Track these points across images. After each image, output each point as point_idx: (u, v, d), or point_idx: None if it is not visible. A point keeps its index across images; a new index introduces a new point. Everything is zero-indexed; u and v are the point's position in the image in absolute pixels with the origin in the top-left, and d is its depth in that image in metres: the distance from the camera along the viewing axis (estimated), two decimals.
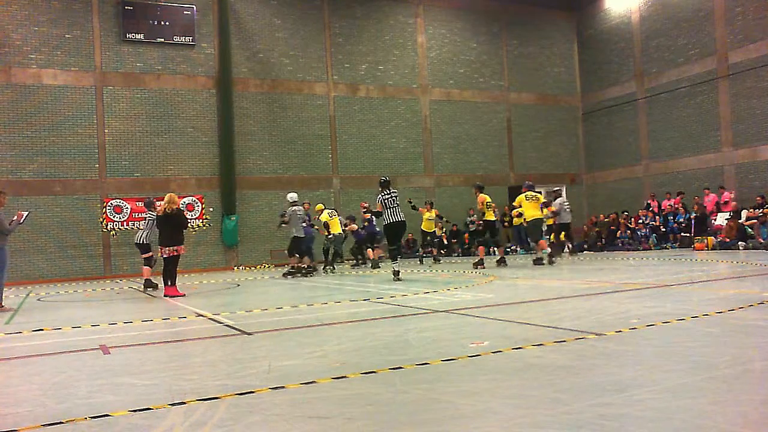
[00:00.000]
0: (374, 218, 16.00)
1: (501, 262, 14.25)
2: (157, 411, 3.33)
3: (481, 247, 15.00)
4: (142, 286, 12.51)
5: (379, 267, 15.69)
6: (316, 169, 21.29)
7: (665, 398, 3.09)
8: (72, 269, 17.99)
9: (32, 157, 17.81)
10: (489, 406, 3.13)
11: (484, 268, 13.65)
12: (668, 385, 3.35)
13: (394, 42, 22.67)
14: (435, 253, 18.65)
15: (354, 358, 4.51)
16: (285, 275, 14.45)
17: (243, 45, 20.49)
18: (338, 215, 16.91)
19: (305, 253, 14.62)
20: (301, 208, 14.53)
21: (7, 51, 17.72)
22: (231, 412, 3.22)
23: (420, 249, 20.05)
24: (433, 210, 18.46)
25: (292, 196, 14.44)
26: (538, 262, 13.88)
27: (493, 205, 14.71)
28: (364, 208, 15.33)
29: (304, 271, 14.49)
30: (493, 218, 14.53)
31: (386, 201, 11.75)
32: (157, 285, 12.34)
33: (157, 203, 12.33)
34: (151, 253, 12.39)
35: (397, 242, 12.09)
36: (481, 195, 14.52)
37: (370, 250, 16.32)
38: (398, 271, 11.56)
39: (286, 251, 15.19)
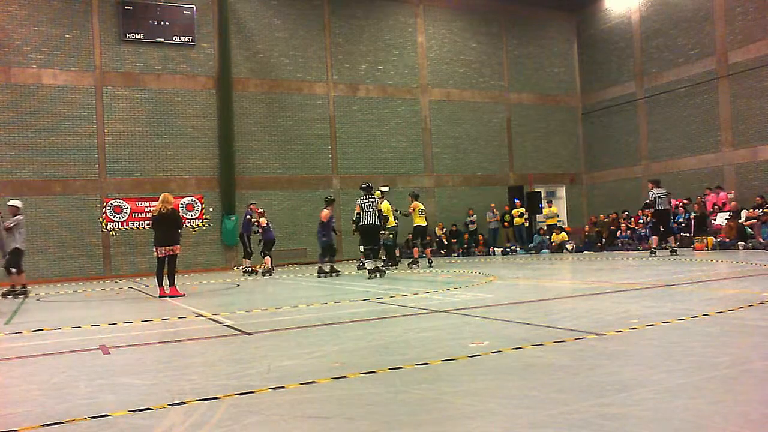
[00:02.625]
0: (270, 224, 16.00)
1: (428, 263, 15.92)
2: (157, 411, 3.33)
3: (415, 249, 16.15)
4: (5, 294, 11.87)
5: (272, 275, 15.42)
6: (316, 169, 21.30)
7: (665, 398, 3.09)
8: (72, 269, 17.99)
9: (32, 157, 17.81)
10: (489, 406, 3.13)
11: (418, 266, 15.49)
12: (668, 385, 3.35)
13: (394, 42, 22.67)
14: (427, 255, 16.67)
15: (354, 358, 4.51)
16: (4, 295, 12.25)
17: (243, 45, 20.49)
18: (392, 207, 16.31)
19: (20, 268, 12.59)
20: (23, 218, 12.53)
21: (7, 51, 17.72)
22: (231, 412, 3.22)
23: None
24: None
25: (16, 202, 12.46)
26: (413, 263, 15.58)
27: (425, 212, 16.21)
28: (259, 212, 15.86)
29: (14, 291, 12.33)
30: (424, 223, 15.88)
31: (363, 204, 12.61)
32: (28, 291, 12.22)
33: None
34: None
35: (370, 243, 12.85)
36: (414, 203, 15.85)
37: (268, 258, 15.57)
38: (372, 269, 12.52)
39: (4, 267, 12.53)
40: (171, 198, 10.66)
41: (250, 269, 16.15)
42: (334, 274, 13.99)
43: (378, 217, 12.71)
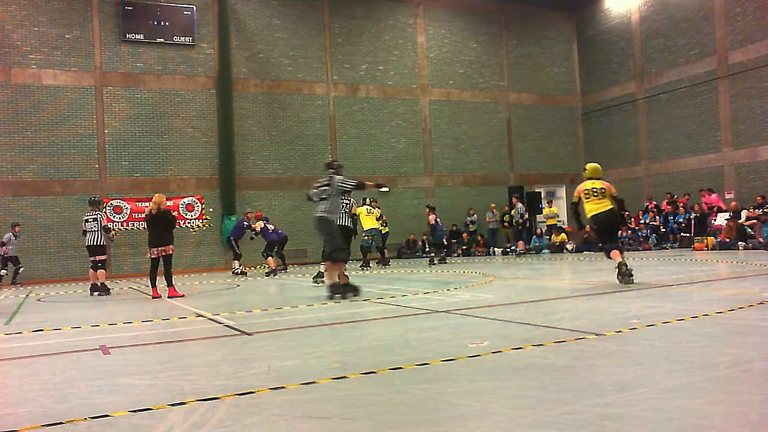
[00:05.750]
0: (269, 226, 16.14)
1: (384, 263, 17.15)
2: (157, 411, 3.32)
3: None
4: (90, 291, 12.04)
5: (276, 275, 15.31)
6: (316, 170, 21.18)
7: (665, 398, 3.09)
8: (72, 269, 17.97)
9: (32, 157, 17.81)
10: (489, 406, 3.13)
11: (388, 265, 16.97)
12: (668, 385, 3.35)
13: (394, 42, 22.67)
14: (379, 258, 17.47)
15: (354, 358, 4.51)
16: None
17: (243, 45, 20.50)
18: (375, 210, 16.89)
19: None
20: None
21: (6, 51, 17.72)
22: (231, 413, 3.22)
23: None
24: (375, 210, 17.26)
25: None
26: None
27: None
28: (257, 216, 16.21)
29: None
30: (373, 226, 16.64)
31: None
32: (110, 290, 12.28)
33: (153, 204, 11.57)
34: (105, 256, 12.23)
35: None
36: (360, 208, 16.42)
37: (270, 258, 15.65)
38: (322, 273, 11.34)
39: None
40: (164, 198, 10.65)
41: (239, 270, 16.24)
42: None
43: (352, 219, 11.87)
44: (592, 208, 9.11)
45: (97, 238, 11.96)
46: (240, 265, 16.42)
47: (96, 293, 11.87)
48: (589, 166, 9.59)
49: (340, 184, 9.10)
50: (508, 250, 21.06)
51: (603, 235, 9.25)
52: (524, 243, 20.79)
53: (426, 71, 23.14)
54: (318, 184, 9.23)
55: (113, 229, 12.09)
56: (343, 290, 8.71)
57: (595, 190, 9.10)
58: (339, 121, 21.67)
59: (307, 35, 21.34)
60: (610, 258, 8.93)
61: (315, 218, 9.10)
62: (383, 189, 9.79)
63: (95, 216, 12.06)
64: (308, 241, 20.79)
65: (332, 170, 9.25)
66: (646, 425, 2.70)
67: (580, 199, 9.14)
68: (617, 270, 8.69)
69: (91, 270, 12.23)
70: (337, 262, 8.91)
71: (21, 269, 16.68)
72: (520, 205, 21.46)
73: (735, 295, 6.95)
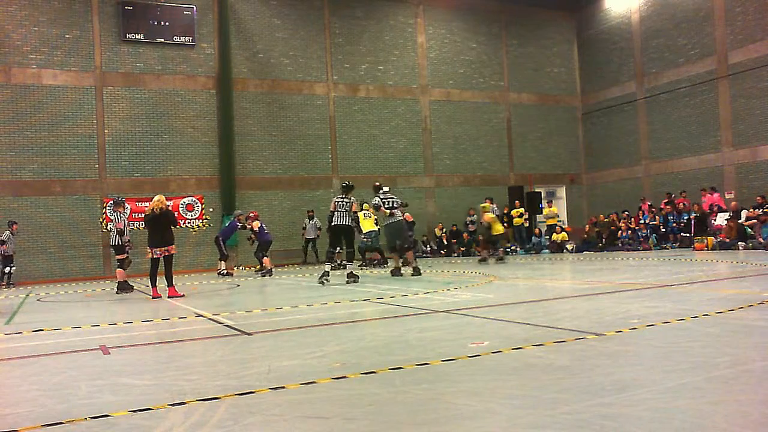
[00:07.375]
0: (264, 226, 16.28)
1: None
2: (157, 411, 3.33)
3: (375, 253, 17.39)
4: (116, 289, 12.20)
5: (272, 275, 15.40)
6: (316, 170, 21.29)
7: (665, 398, 3.09)
8: (72, 269, 17.99)
9: (32, 157, 17.81)
10: (489, 406, 3.13)
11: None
12: (668, 385, 3.35)
13: (394, 42, 22.67)
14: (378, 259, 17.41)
15: (354, 358, 4.51)
16: None
17: (243, 45, 20.49)
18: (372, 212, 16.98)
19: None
20: None
21: (6, 51, 17.72)
22: (231, 413, 3.22)
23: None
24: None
25: None
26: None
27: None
28: (252, 216, 16.32)
29: None
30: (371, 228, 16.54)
31: (337, 203, 12.02)
32: (133, 287, 12.45)
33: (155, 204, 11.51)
34: (126, 255, 12.38)
35: (337, 245, 12.36)
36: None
37: (266, 258, 15.73)
38: (327, 272, 11.76)
39: None
40: (164, 198, 10.66)
41: (225, 272, 16.20)
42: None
43: (350, 218, 12.02)
44: (498, 228, 16.32)
45: (116, 238, 12.26)
46: (226, 266, 16.37)
47: (123, 291, 12.06)
48: (487, 205, 17.18)
49: (399, 200, 13.26)
50: (508, 250, 21.04)
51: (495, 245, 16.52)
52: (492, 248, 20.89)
53: (426, 71, 23.14)
54: (391, 200, 12.92)
55: (125, 229, 12.32)
56: (397, 272, 12.69)
57: (498, 217, 16.52)
58: (339, 121, 21.67)
59: (307, 35, 21.34)
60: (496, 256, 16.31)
61: (405, 222, 13.19)
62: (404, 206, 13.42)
63: (113, 216, 12.50)
64: None
65: (387, 189, 13.24)
66: (646, 425, 2.70)
67: (489, 223, 16.32)
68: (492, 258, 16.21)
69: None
70: (410, 251, 13.20)
71: (13, 268, 16.60)
72: None
73: (735, 295, 6.95)
